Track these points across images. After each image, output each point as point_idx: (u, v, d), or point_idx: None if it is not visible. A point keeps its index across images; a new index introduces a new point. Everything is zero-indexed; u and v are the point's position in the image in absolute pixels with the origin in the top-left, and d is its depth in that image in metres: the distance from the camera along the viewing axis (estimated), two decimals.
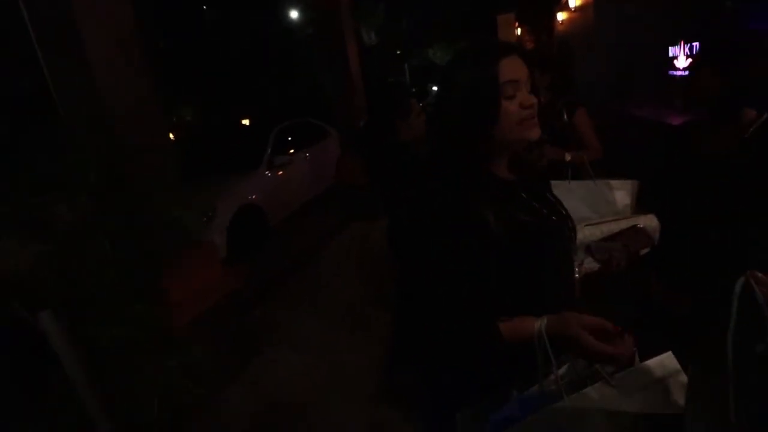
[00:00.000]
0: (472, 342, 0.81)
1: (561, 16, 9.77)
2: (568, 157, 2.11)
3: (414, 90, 12.21)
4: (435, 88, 15.97)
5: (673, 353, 0.83)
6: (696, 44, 4.28)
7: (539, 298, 0.86)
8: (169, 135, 3.11)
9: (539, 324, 0.78)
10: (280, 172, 5.37)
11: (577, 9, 8.25)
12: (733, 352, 0.59)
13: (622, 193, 1.85)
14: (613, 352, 0.75)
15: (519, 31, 12.58)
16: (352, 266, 4.08)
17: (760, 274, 0.60)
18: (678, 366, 0.80)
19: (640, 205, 1.84)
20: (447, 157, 0.87)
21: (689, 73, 1.47)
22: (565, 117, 2.18)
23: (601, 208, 1.82)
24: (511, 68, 0.83)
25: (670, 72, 4.78)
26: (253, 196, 4.79)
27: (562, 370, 0.80)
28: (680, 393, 0.78)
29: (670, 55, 4.82)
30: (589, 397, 0.77)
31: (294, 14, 12.00)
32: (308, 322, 3.19)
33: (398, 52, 18.51)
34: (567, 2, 8.73)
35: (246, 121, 9.39)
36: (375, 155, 2.21)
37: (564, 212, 0.96)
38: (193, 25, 10.76)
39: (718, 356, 0.61)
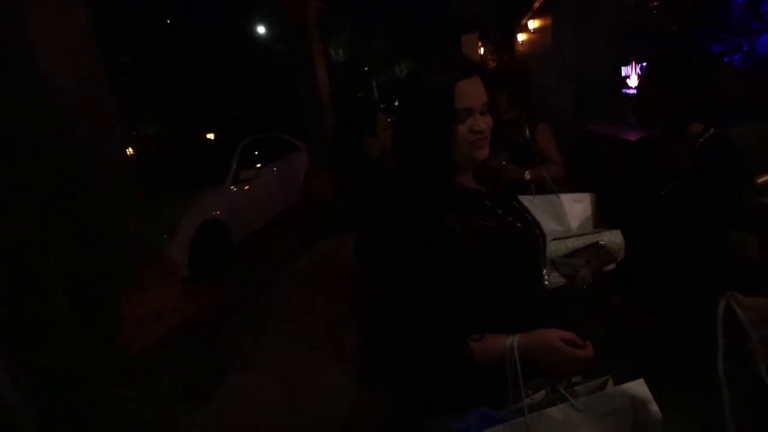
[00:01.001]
0: (442, 361, 0.81)
1: (521, 37, 10.21)
2: (527, 176, 2.12)
3: (382, 106, 12.37)
4: None
5: (641, 372, 0.83)
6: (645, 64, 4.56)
7: (508, 303, 0.87)
8: (127, 146, 2.98)
9: (510, 340, 0.79)
10: (246, 187, 5.25)
11: (537, 30, 8.65)
12: (724, 375, 0.60)
13: (582, 205, 1.89)
14: (586, 355, 0.79)
15: (482, 50, 13.03)
16: (320, 283, 4.01)
17: (739, 295, 0.62)
18: (649, 395, 0.80)
19: (601, 219, 1.89)
20: (410, 169, 0.89)
21: (637, 91, 1.56)
22: (528, 133, 2.22)
23: (564, 221, 1.86)
24: (468, 93, 0.85)
25: (624, 90, 5.06)
26: (218, 212, 4.66)
27: (538, 396, 0.81)
28: (649, 423, 0.77)
29: (623, 74, 5.10)
30: (551, 417, 0.76)
31: (262, 30, 11.96)
32: (276, 343, 3.09)
33: (366, 69, 18.77)
34: (527, 24, 9.14)
35: (211, 136, 9.20)
36: (343, 170, 2.20)
37: (531, 219, 0.97)
38: (159, 40, 10.52)
39: (694, 379, 0.61)
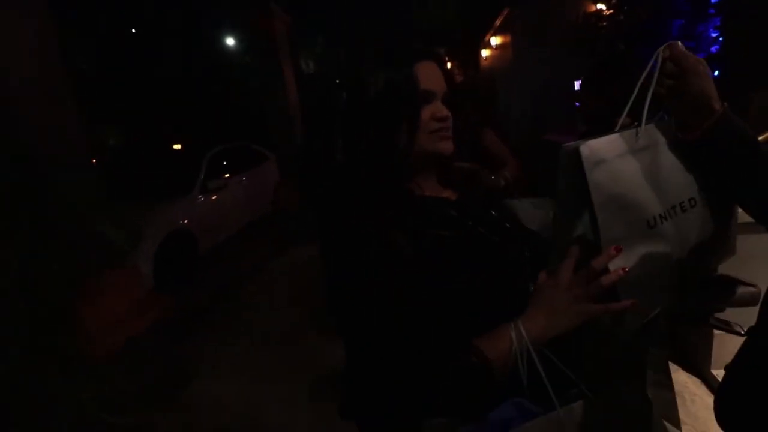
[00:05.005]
0: (450, 381, 0.64)
1: (485, 52, 10.64)
2: (502, 182, 2.03)
3: None
4: None
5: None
6: None
7: (484, 322, 0.70)
8: (91, 152, 2.94)
9: (512, 326, 0.66)
10: (214, 197, 5.24)
11: (498, 47, 9.06)
12: None
13: (544, 211, 1.96)
14: (621, 306, 0.64)
15: (449, 65, 13.47)
16: (288, 292, 4.05)
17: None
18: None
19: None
20: (361, 175, 0.75)
21: (580, 95, 1.75)
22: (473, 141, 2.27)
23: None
24: (429, 75, 0.76)
25: (576, 102, 5.43)
26: (185, 221, 4.64)
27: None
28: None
29: (576, 89, 5.48)
30: (581, 411, 0.64)
31: (231, 42, 11.96)
32: (242, 349, 3.11)
33: (337, 81, 18.90)
34: (489, 40, 9.55)
35: (179, 146, 9.08)
36: (312, 177, 2.24)
37: (515, 229, 0.83)
38: (125, 50, 10.37)
39: None
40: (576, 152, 0.64)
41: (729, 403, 0.84)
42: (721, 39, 4.73)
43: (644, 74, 0.69)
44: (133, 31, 11.01)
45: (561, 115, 5.74)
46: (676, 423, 0.76)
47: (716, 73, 5.05)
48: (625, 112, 0.71)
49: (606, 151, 0.66)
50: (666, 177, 0.71)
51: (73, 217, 1.74)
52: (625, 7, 5.64)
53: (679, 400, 1.99)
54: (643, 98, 0.69)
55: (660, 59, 0.69)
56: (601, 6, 6.21)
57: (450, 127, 0.77)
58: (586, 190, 0.64)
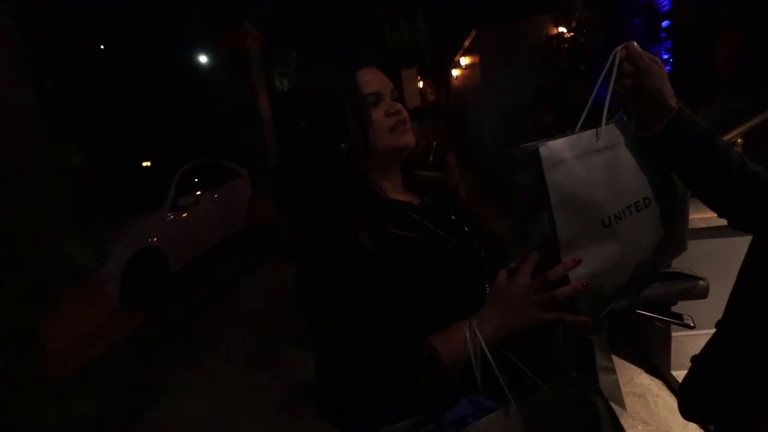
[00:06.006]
0: (399, 374, 0.66)
1: (456, 72, 10.98)
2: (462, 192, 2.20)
3: None
4: None
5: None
6: None
7: (438, 316, 0.72)
8: (54, 166, 2.85)
9: (469, 326, 0.67)
10: (185, 214, 5.15)
11: (468, 67, 9.36)
12: None
13: None
14: (575, 320, 0.66)
15: (421, 83, 13.79)
16: (265, 307, 3.99)
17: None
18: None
19: None
20: (326, 181, 0.77)
21: (531, 113, 1.88)
22: (434, 159, 2.39)
23: None
24: (371, 80, 0.80)
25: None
26: (154, 239, 4.53)
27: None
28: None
29: None
30: (540, 401, 0.68)
31: (204, 60, 11.91)
32: (212, 367, 3.04)
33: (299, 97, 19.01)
34: (459, 60, 9.87)
35: (149, 162, 8.89)
36: (287, 188, 2.28)
37: (467, 230, 0.85)
38: (95, 66, 10.16)
39: None
40: (535, 152, 0.64)
41: (694, 393, 0.89)
42: (671, 60, 5.08)
43: (603, 74, 0.71)
44: (102, 47, 10.83)
45: (525, 130, 5.97)
46: (620, 402, 0.81)
47: None
48: (584, 115, 0.73)
49: (565, 151, 0.67)
50: (623, 177, 0.72)
51: (34, 234, 1.69)
52: (584, 30, 5.98)
53: (642, 402, 2.08)
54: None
55: (618, 59, 0.70)
56: (562, 29, 6.57)
57: (406, 119, 0.81)
58: (544, 190, 0.64)
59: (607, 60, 0.72)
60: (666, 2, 5.32)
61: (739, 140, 1.87)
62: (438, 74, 12.98)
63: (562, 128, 1.82)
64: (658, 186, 0.75)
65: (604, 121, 0.70)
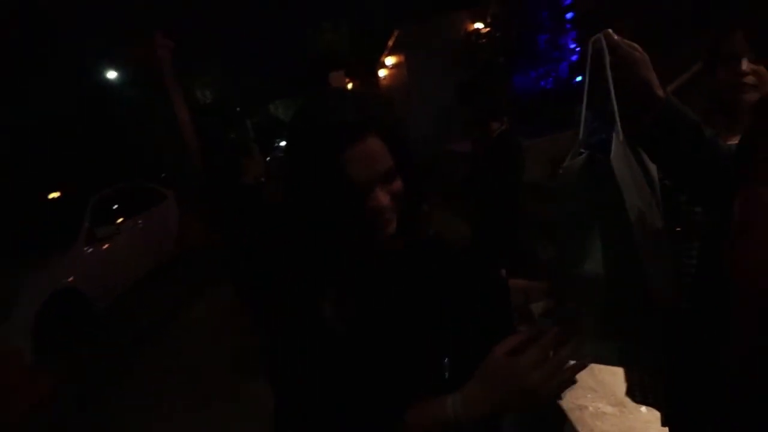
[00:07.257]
0: None
1: (382, 72, 11.07)
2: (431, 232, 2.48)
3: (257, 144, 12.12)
4: (283, 143, 16.20)
5: None
6: None
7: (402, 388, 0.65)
8: None
9: (451, 403, 0.60)
10: (105, 246, 4.67)
11: (394, 66, 9.48)
12: None
13: None
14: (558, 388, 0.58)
15: (350, 85, 13.76)
16: (208, 336, 3.71)
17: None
18: None
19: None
20: (299, 236, 0.67)
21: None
22: None
23: None
24: (359, 161, 0.60)
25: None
26: (70, 279, 4.05)
27: None
28: None
29: None
30: None
31: (111, 74, 10.98)
32: (162, 406, 2.77)
33: (238, 109, 18.33)
34: (384, 61, 9.96)
35: (57, 193, 8.00)
36: (220, 199, 2.31)
37: (440, 282, 0.75)
38: None
39: None
40: (606, 163, 0.60)
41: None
42: (578, 49, 5.47)
43: (587, 67, 0.65)
44: None
45: (458, 126, 6.13)
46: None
47: (578, 78, 5.79)
48: (615, 107, 0.64)
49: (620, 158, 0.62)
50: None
51: None
52: (499, 25, 6.27)
53: (588, 371, 2.18)
54: (593, 92, 0.66)
55: (604, 50, 0.63)
56: (479, 24, 6.83)
57: (393, 209, 0.64)
58: (609, 208, 0.59)
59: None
60: None
61: None
62: (366, 75, 13.02)
63: (480, 123, 1.86)
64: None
65: (616, 111, 0.63)
